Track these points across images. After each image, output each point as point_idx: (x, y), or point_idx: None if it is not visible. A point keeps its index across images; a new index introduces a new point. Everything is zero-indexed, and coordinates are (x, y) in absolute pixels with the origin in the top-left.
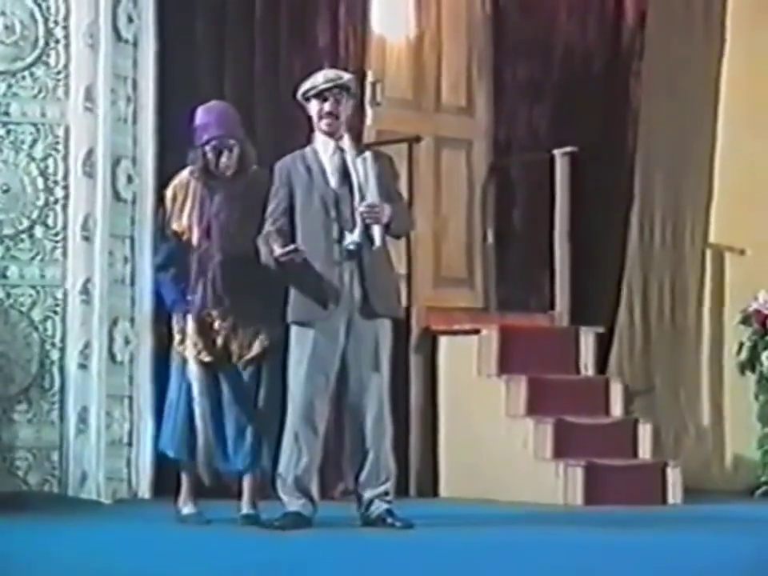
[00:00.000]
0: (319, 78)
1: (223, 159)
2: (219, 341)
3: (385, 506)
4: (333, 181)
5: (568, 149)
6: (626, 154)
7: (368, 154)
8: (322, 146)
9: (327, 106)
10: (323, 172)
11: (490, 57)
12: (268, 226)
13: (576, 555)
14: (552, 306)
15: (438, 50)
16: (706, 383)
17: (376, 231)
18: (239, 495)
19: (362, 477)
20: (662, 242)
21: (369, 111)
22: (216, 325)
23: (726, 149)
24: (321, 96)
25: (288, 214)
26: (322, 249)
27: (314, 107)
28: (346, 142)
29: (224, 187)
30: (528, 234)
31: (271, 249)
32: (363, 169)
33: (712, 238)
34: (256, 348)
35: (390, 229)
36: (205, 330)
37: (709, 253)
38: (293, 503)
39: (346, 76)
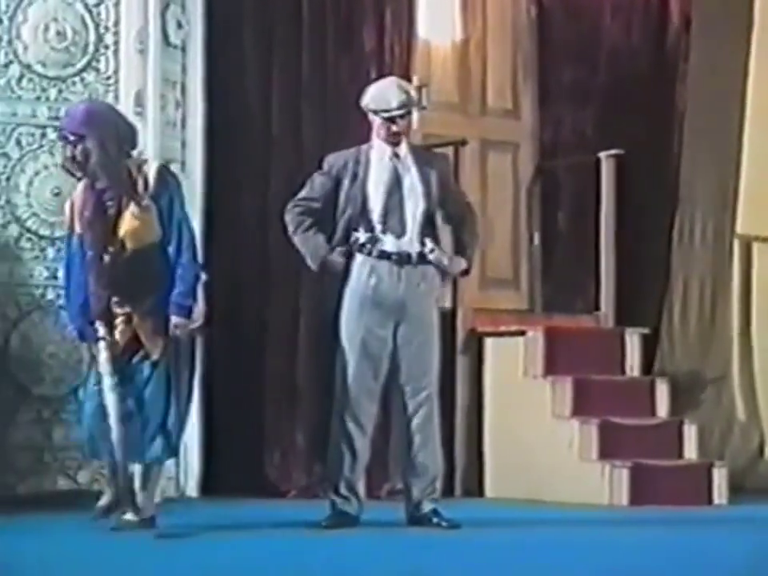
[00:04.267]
0: (393, 103)
1: (68, 152)
2: (122, 337)
3: (431, 505)
4: (382, 188)
5: (613, 151)
6: (671, 156)
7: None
8: (378, 152)
9: (395, 128)
10: (365, 179)
11: (536, 60)
12: (296, 207)
13: (622, 556)
14: (597, 308)
15: (484, 53)
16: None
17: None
18: (282, 495)
19: (410, 476)
20: (703, 242)
21: (415, 115)
22: (119, 322)
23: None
24: (390, 119)
25: (321, 203)
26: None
27: (378, 121)
28: (403, 149)
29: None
30: (573, 236)
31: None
32: (419, 177)
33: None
34: (160, 343)
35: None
36: (111, 329)
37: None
38: (339, 502)
39: (413, 92)
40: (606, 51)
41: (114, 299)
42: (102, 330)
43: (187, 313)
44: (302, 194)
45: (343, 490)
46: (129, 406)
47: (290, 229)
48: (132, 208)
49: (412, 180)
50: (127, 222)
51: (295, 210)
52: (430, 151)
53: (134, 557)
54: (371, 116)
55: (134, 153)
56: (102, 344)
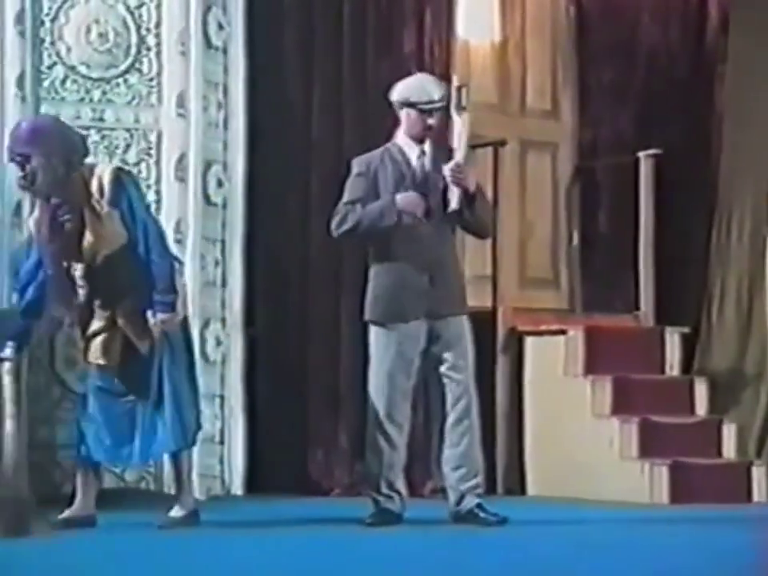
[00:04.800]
0: (435, 95)
1: (19, 173)
2: (111, 340)
3: (476, 500)
4: (410, 185)
5: (652, 151)
6: (709, 156)
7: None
8: (407, 147)
9: (432, 122)
10: (410, 167)
11: (575, 60)
12: (340, 211)
13: (661, 553)
14: (637, 307)
15: (523, 53)
16: None
17: (455, 194)
18: (325, 493)
19: (451, 472)
20: (740, 240)
21: (454, 115)
22: (104, 326)
23: None
24: (429, 112)
25: (365, 204)
26: (406, 248)
27: (414, 115)
28: (428, 146)
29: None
30: (613, 235)
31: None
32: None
33: None
34: (147, 341)
35: (474, 208)
36: (86, 334)
37: None
38: (382, 500)
39: (444, 90)
40: (645, 51)
41: (97, 305)
42: (8, 351)
43: (171, 307)
44: (345, 198)
45: (384, 488)
46: (122, 409)
47: (344, 228)
48: (92, 218)
49: (433, 174)
50: (93, 231)
51: (338, 215)
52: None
53: (180, 553)
54: (405, 111)
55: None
56: (6, 365)
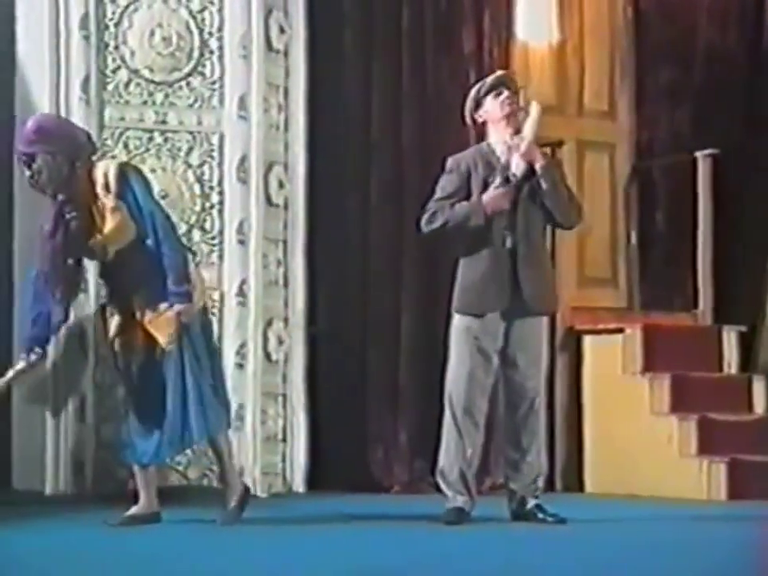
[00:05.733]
0: (492, 75)
1: (27, 172)
2: (129, 335)
3: (535, 501)
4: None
5: (710, 150)
6: (765, 154)
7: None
8: (499, 140)
9: (505, 92)
10: (499, 162)
11: (632, 61)
12: (431, 207)
13: (720, 551)
14: (695, 305)
15: (581, 55)
16: None
17: (520, 165)
18: (385, 490)
19: (514, 473)
20: None
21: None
22: (120, 322)
23: None
24: (495, 88)
25: (455, 201)
26: (490, 242)
27: (489, 103)
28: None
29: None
30: (671, 235)
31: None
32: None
33: None
34: (167, 333)
35: (542, 185)
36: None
37: None
38: (456, 498)
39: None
40: (702, 51)
41: (115, 302)
42: (34, 357)
43: (186, 298)
44: (435, 195)
45: (458, 486)
46: (150, 405)
47: (432, 226)
48: (100, 214)
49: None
50: (99, 229)
51: (429, 212)
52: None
53: (241, 550)
54: (485, 108)
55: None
56: (21, 364)
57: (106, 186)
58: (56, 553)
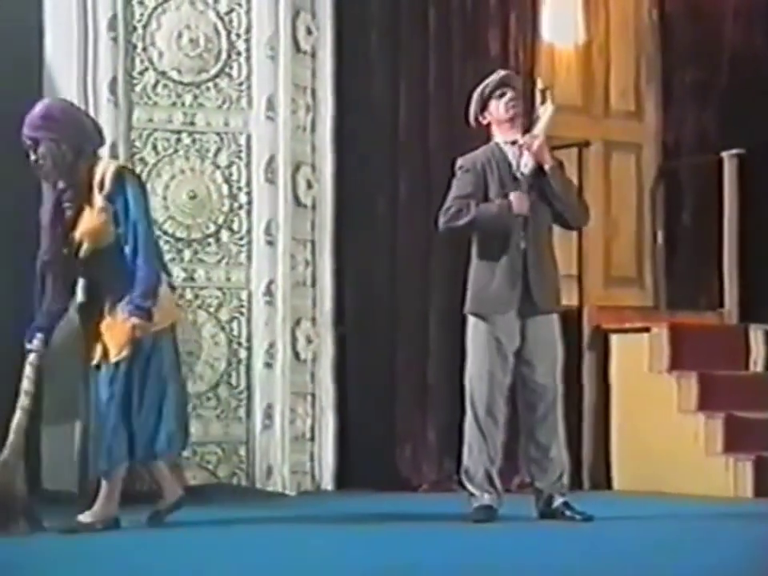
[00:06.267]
0: (493, 76)
1: (32, 157)
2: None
3: (562, 498)
4: (510, 183)
5: (736, 151)
6: None
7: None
8: (503, 141)
9: (509, 94)
10: (509, 166)
11: (658, 61)
12: (452, 205)
13: (747, 548)
14: (721, 304)
15: (607, 56)
16: None
17: (528, 163)
18: (413, 488)
19: (537, 472)
20: None
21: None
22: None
23: None
24: (498, 89)
25: (476, 199)
26: (504, 243)
27: (493, 105)
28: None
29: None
30: (697, 234)
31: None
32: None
33: None
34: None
35: (551, 184)
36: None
37: None
38: (483, 497)
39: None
40: (728, 51)
41: (88, 298)
42: (36, 342)
43: (146, 314)
44: (453, 194)
45: (484, 484)
46: (113, 411)
47: (456, 224)
48: (87, 209)
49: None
50: (84, 223)
51: (452, 210)
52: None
53: (270, 548)
54: (487, 113)
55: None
56: (31, 356)
57: (101, 185)
58: (76, 552)
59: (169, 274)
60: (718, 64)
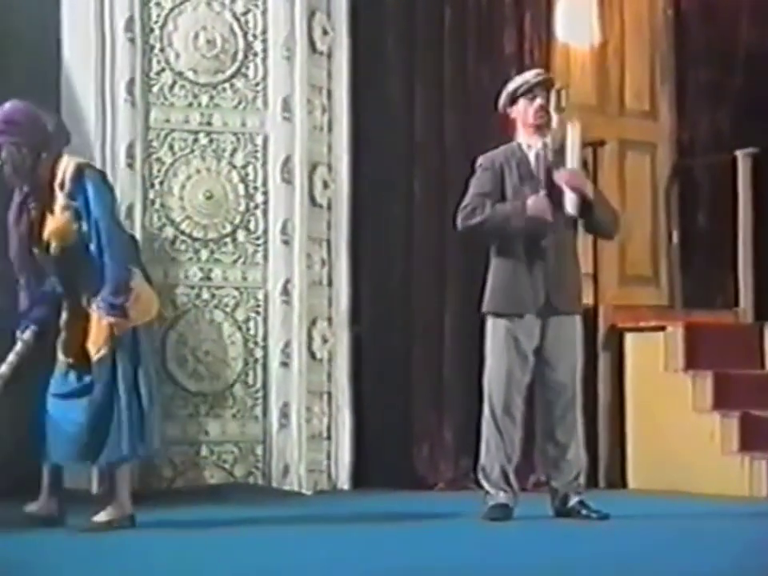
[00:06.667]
0: (529, 76)
1: None
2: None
3: (577, 497)
4: (532, 181)
5: (750, 149)
6: None
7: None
8: (526, 143)
9: (539, 100)
10: (529, 167)
11: (673, 61)
12: (469, 203)
13: (762, 547)
14: (737, 303)
15: (621, 55)
16: None
17: (572, 200)
18: (430, 487)
19: (554, 471)
20: None
21: (554, 117)
22: (62, 321)
23: None
24: (531, 92)
25: (493, 197)
26: (523, 243)
27: (522, 105)
28: (550, 140)
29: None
30: (712, 233)
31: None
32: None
33: None
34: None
35: (593, 213)
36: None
37: None
38: (499, 495)
39: (542, 72)
40: (742, 51)
41: (64, 297)
42: (28, 333)
43: (120, 311)
44: (471, 192)
45: (500, 482)
46: (81, 410)
47: (470, 223)
48: (50, 208)
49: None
50: (49, 223)
51: (468, 208)
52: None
53: (287, 547)
54: (513, 109)
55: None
56: (17, 346)
57: (62, 183)
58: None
59: (143, 269)
60: (732, 63)
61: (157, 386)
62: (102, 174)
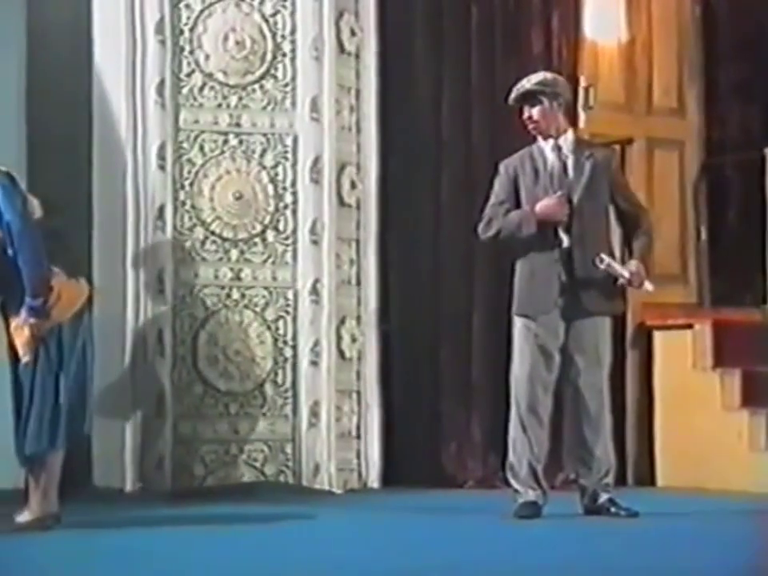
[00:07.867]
0: (512, 94)
1: None
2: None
3: (607, 495)
4: (546, 182)
5: None
6: None
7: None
8: (542, 145)
9: (525, 111)
10: (546, 169)
11: (701, 58)
12: (486, 214)
13: None
14: (765, 301)
15: (649, 53)
16: None
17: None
18: (459, 485)
19: (583, 469)
20: None
21: (582, 115)
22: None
23: None
24: (519, 102)
25: (509, 204)
26: (541, 244)
27: (523, 113)
28: (565, 141)
29: None
30: (740, 231)
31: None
32: (584, 166)
33: None
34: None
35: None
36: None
37: None
38: (528, 493)
39: (535, 79)
40: None
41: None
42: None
43: (41, 313)
44: (490, 202)
45: (529, 480)
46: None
47: (487, 234)
48: None
49: (569, 170)
50: None
51: (484, 220)
52: (595, 144)
53: (315, 544)
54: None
55: None
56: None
57: None
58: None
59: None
60: (761, 60)
61: (91, 375)
62: (10, 177)
